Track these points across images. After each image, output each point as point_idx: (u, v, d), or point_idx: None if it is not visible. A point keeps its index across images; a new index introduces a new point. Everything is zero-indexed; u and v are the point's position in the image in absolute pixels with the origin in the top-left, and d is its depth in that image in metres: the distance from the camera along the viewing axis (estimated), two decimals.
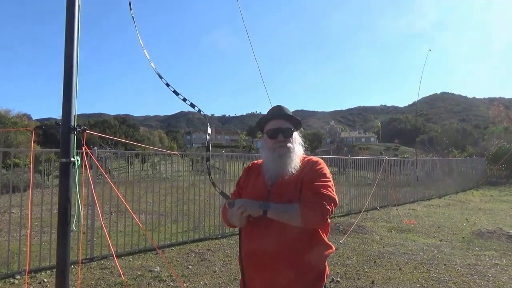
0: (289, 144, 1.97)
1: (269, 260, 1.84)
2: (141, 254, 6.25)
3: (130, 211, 4.05)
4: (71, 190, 2.11)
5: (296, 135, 2.04)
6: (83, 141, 2.23)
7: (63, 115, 2.12)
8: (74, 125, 2.15)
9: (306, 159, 2.02)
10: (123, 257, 6.01)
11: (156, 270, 5.36)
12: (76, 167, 2.13)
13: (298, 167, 1.93)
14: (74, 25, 2.18)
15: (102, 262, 5.74)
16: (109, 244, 5.49)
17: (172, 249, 6.63)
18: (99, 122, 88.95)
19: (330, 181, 1.89)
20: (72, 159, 2.11)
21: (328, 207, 1.77)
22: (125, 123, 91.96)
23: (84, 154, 2.14)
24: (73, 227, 2.15)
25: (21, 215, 6.03)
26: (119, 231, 7.17)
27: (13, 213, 7.94)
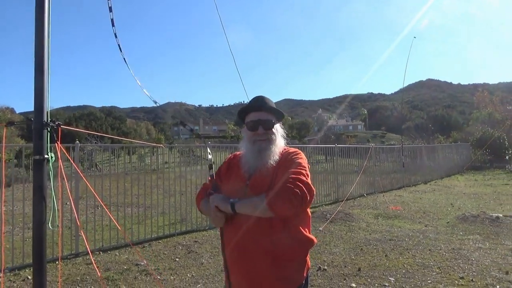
0: (270, 137, 1.92)
1: (246, 254, 1.82)
2: (127, 248, 6.20)
3: (104, 206, 3.99)
4: (46, 188, 2.04)
5: (277, 127, 1.98)
6: (58, 137, 2.16)
7: (35, 110, 2.05)
8: (47, 120, 2.07)
9: (284, 150, 1.97)
10: (109, 252, 5.96)
11: (142, 263, 5.32)
12: (51, 164, 2.07)
13: (278, 159, 1.89)
14: (44, 13, 2.10)
15: (87, 257, 5.67)
16: (85, 240, 5.44)
17: (159, 242, 6.59)
18: (85, 114, 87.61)
19: (304, 169, 1.80)
20: (46, 155, 2.04)
21: (297, 190, 1.66)
22: (111, 115, 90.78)
23: (60, 150, 2.08)
24: (49, 225, 2.09)
25: (5, 211, 5.91)
26: (105, 225, 7.09)
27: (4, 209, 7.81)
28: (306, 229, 1.90)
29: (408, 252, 5.66)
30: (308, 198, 1.71)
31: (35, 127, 2.02)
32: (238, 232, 1.84)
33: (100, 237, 6.30)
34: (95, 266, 4.95)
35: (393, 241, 6.30)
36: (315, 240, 1.94)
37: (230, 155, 2.19)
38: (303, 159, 1.88)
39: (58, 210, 2.23)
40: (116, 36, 2.21)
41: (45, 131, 2.04)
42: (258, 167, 1.88)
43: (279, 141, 1.95)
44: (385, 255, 5.54)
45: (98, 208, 8.05)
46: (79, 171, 3.50)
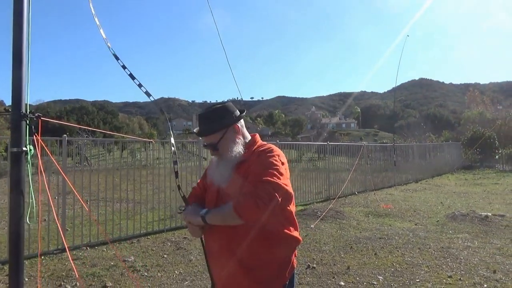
0: (220, 154, 1.91)
1: (221, 256, 1.84)
2: (115, 243, 6.12)
3: (82, 201, 3.91)
4: (24, 182, 1.97)
5: (227, 139, 1.90)
6: (38, 129, 2.09)
7: (12, 101, 1.96)
8: (26, 111, 2.00)
9: (254, 149, 1.90)
10: (96, 247, 5.88)
11: (130, 260, 5.25)
12: (29, 156, 1.99)
13: (246, 160, 1.85)
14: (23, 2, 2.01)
15: (74, 252, 5.59)
16: (62, 238, 5.36)
17: (147, 238, 6.52)
18: (76, 108, 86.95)
19: (273, 168, 1.73)
20: (24, 148, 1.97)
21: (262, 193, 1.61)
22: (103, 110, 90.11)
23: (39, 144, 2.00)
24: (27, 220, 2.02)
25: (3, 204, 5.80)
26: (93, 221, 7.00)
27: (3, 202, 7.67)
28: (291, 228, 1.85)
29: (398, 251, 5.66)
30: (278, 196, 1.66)
31: (13, 118, 1.94)
32: (216, 239, 1.86)
33: (88, 232, 6.21)
34: (72, 262, 4.87)
35: (383, 240, 6.30)
36: (300, 239, 1.90)
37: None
38: (274, 157, 1.79)
39: (36, 204, 2.15)
40: (117, 58, 2.14)
41: (23, 122, 1.96)
42: (221, 177, 1.89)
43: (234, 150, 1.88)
44: (375, 254, 5.53)
45: (88, 203, 7.97)
46: (57, 165, 3.42)
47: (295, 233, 1.87)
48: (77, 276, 4.49)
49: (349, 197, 11.32)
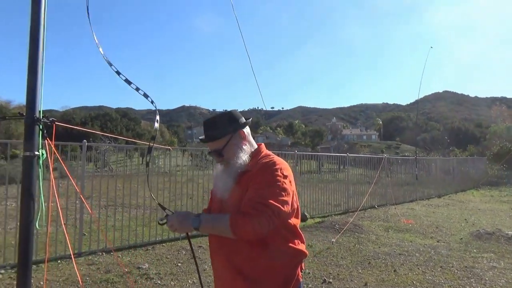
0: (225, 161, 1.87)
1: (223, 268, 1.81)
2: (130, 250, 6.12)
3: (88, 206, 3.91)
4: (35, 186, 1.96)
5: (231, 145, 1.86)
6: (52, 134, 2.08)
7: (27, 105, 1.97)
8: (40, 116, 1.99)
9: (258, 160, 1.85)
10: (111, 253, 5.88)
11: (144, 267, 5.22)
12: (41, 161, 1.98)
13: (249, 170, 1.80)
14: (41, 2, 2.03)
15: (90, 257, 5.61)
16: (58, 243, 5.35)
17: (163, 245, 6.50)
18: (100, 115, 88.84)
19: (277, 185, 1.69)
20: (37, 152, 1.96)
21: (262, 218, 1.59)
22: (126, 117, 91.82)
23: (50, 148, 1.99)
24: (37, 225, 2.00)
25: (16, 207, 5.90)
26: (110, 226, 7.04)
27: (8, 205, 7.81)
28: (296, 241, 1.80)
29: (418, 268, 5.44)
30: (276, 221, 1.64)
31: (26, 122, 1.94)
32: (218, 251, 1.83)
33: (104, 237, 6.24)
34: (76, 268, 4.87)
35: (403, 256, 6.08)
36: (306, 252, 1.83)
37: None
38: (277, 171, 1.74)
39: (46, 209, 2.14)
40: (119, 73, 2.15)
41: (37, 127, 1.96)
42: (225, 187, 1.85)
43: (239, 157, 1.84)
44: (394, 270, 5.33)
45: (106, 208, 8.04)
46: (66, 170, 3.42)
47: (301, 246, 1.81)
48: (80, 282, 4.49)
49: (368, 211, 11.06)
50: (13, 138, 31.65)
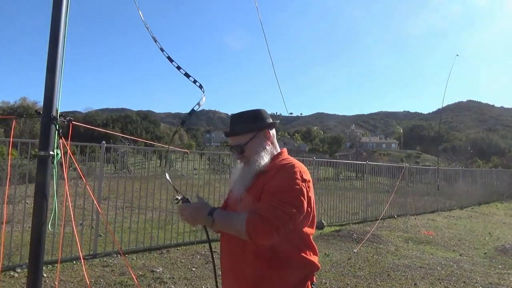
0: (244, 159, 1.83)
1: (229, 275, 1.77)
2: (145, 253, 6.10)
3: (98, 206, 3.88)
4: (49, 186, 1.93)
5: (254, 144, 1.81)
6: (69, 133, 2.05)
7: (44, 104, 1.95)
8: (57, 115, 1.97)
9: (278, 162, 1.79)
10: (126, 255, 5.88)
11: (158, 270, 5.18)
12: (55, 160, 1.95)
13: (268, 171, 1.74)
14: (62, 5, 2.01)
15: (105, 259, 5.61)
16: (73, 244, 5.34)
17: (177, 249, 6.46)
18: (122, 117, 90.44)
19: (293, 192, 1.63)
20: (52, 152, 1.93)
21: (279, 224, 1.55)
22: (146, 119, 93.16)
23: (64, 147, 1.96)
24: (49, 227, 1.97)
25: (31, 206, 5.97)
26: (126, 228, 7.06)
27: (28, 203, 7.99)
28: (308, 251, 1.72)
29: (440, 283, 5.23)
30: (291, 226, 1.60)
31: (43, 121, 1.92)
32: (227, 257, 1.80)
33: (119, 239, 6.24)
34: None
35: (423, 269, 5.87)
36: (318, 265, 1.75)
37: None
38: (296, 174, 1.68)
39: (58, 209, 2.11)
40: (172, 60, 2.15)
41: (53, 126, 1.93)
42: (243, 186, 1.79)
43: (259, 159, 1.78)
44: (414, 284, 5.14)
45: (123, 210, 8.08)
46: (79, 170, 3.41)
47: (313, 258, 1.73)
48: (87, 283, 4.47)
49: (387, 220, 10.79)
50: (37, 138, 32.45)
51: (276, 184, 1.64)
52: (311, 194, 1.73)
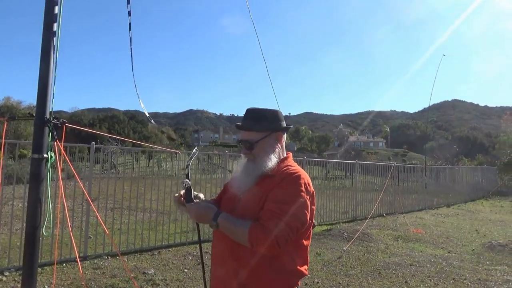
0: (252, 156, 1.78)
1: (222, 279, 1.74)
2: (136, 254, 6.05)
3: (93, 206, 3.84)
4: (43, 189, 1.89)
5: (265, 144, 1.79)
6: (62, 135, 2.02)
7: (37, 106, 1.91)
8: (50, 117, 1.93)
9: (284, 168, 1.77)
10: (117, 257, 5.81)
11: (150, 272, 5.14)
12: (49, 164, 1.91)
13: (273, 175, 1.72)
14: (53, 9, 1.97)
15: (95, 261, 5.54)
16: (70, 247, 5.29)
17: (169, 250, 6.42)
18: (108, 117, 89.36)
19: (299, 203, 1.63)
20: (46, 155, 1.89)
21: (282, 237, 1.56)
22: (134, 119, 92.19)
23: (59, 150, 1.93)
24: (43, 231, 1.94)
25: (22, 208, 5.87)
26: (116, 229, 6.98)
27: (15, 205, 7.86)
28: (300, 261, 1.73)
29: (430, 280, 5.30)
30: (293, 238, 1.62)
31: (36, 123, 1.89)
32: (220, 262, 1.77)
33: (110, 241, 6.18)
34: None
35: (413, 266, 5.94)
36: (306, 273, 1.75)
37: None
38: (301, 186, 1.68)
39: (53, 212, 2.07)
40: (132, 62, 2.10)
41: (46, 128, 1.90)
42: (238, 186, 1.78)
43: (267, 160, 1.76)
44: (405, 281, 5.20)
45: (112, 211, 7.99)
46: (74, 172, 3.36)
47: (303, 268, 1.74)
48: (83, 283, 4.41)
49: (376, 219, 10.89)
50: (21, 138, 31.79)
51: (281, 194, 1.63)
52: (314, 206, 1.74)
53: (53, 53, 1.95)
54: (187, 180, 1.77)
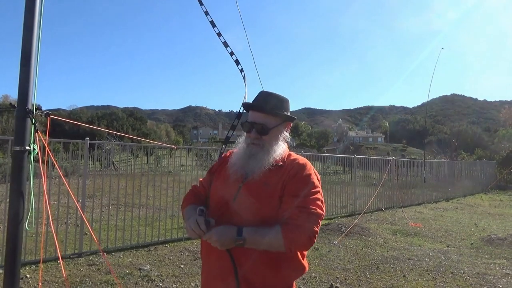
0: (263, 143, 1.66)
1: (221, 273, 1.60)
2: (132, 250, 6.00)
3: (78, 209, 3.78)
4: (25, 183, 1.83)
5: (277, 132, 1.70)
6: (47, 127, 1.95)
7: (18, 96, 1.84)
8: (33, 108, 1.86)
9: (291, 158, 1.71)
10: (113, 253, 5.77)
11: (145, 268, 5.09)
12: (32, 156, 1.85)
13: (280, 164, 1.65)
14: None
15: (90, 258, 5.49)
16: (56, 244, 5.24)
17: (165, 246, 6.36)
18: (107, 114, 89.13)
19: (318, 192, 1.59)
20: (28, 147, 1.83)
21: (316, 228, 1.51)
22: (133, 116, 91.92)
23: (40, 142, 1.86)
24: (26, 227, 1.87)
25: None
26: (112, 225, 6.92)
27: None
28: (304, 255, 1.68)
29: (429, 274, 5.26)
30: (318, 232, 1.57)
31: (17, 115, 1.82)
32: (217, 258, 1.62)
33: (106, 237, 6.12)
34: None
35: (412, 261, 5.90)
36: (307, 268, 1.70)
37: (229, 151, 1.91)
38: (315, 177, 1.64)
39: (35, 209, 2.01)
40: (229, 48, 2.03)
41: (28, 120, 1.83)
42: (245, 173, 1.65)
43: (276, 148, 1.68)
44: (403, 276, 5.15)
45: (109, 207, 7.93)
46: (57, 166, 3.29)
47: (305, 262, 1.69)
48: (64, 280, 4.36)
49: (375, 213, 10.86)
50: (8, 134, 31.60)
51: (301, 186, 1.57)
52: None
53: (35, 41, 1.87)
54: (203, 208, 1.58)
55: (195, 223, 1.50)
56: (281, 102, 1.74)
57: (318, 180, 1.65)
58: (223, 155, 1.87)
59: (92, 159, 7.22)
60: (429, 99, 19.35)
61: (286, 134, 1.75)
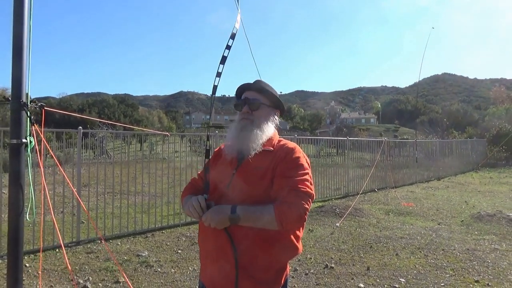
0: (254, 118, 1.76)
1: (218, 256, 1.65)
2: (129, 237, 6.07)
3: (76, 194, 3.82)
4: (23, 175, 1.85)
5: (267, 112, 1.82)
6: (42, 119, 1.97)
7: (12, 89, 1.85)
8: (27, 101, 1.88)
9: (280, 143, 1.79)
10: (111, 241, 5.83)
11: (144, 254, 5.17)
12: (29, 148, 1.87)
13: (270, 150, 1.73)
14: None
15: (88, 246, 5.55)
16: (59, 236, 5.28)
17: (162, 232, 6.45)
18: (98, 101, 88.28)
19: (307, 173, 1.68)
20: (24, 140, 1.85)
21: (306, 206, 1.58)
22: (124, 103, 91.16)
23: (37, 134, 1.88)
24: (27, 217, 1.91)
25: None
26: (109, 213, 6.98)
27: (4, 193, 7.81)
28: (296, 237, 1.72)
29: (420, 252, 5.41)
30: (308, 210, 1.63)
31: (12, 108, 1.83)
32: (212, 239, 1.67)
33: (103, 225, 6.18)
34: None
35: (404, 239, 6.05)
36: (300, 250, 1.75)
37: (221, 144, 2.00)
38: (304, 160, 1.73)
39: (35, 198, 2.04)
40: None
41: (23, 113, 1.84)
42: (239, 150, 1.72)
43: (266, 127, 1.77)
44: (396, 254, 5.30)
45: (105, 195, 7.96)
46: (54, 156, 3.31)
47: (300, 244, 1.75)
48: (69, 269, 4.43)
49: (368, 194, 11.03)
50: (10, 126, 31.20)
51: (291, 168, 1.66)
52: None
53: (26, 31, 1.87)
54: (205, 196, 1.68)
55: (196, 201, 1.61)
56: (274, 91, 1.89)
57: (308, 163, 1.73)
58: (216, 149, 1.97)
59: (86, 147, 7.22)
60: (420, 79, 19.45)
61: (276, 118, 1.85)
